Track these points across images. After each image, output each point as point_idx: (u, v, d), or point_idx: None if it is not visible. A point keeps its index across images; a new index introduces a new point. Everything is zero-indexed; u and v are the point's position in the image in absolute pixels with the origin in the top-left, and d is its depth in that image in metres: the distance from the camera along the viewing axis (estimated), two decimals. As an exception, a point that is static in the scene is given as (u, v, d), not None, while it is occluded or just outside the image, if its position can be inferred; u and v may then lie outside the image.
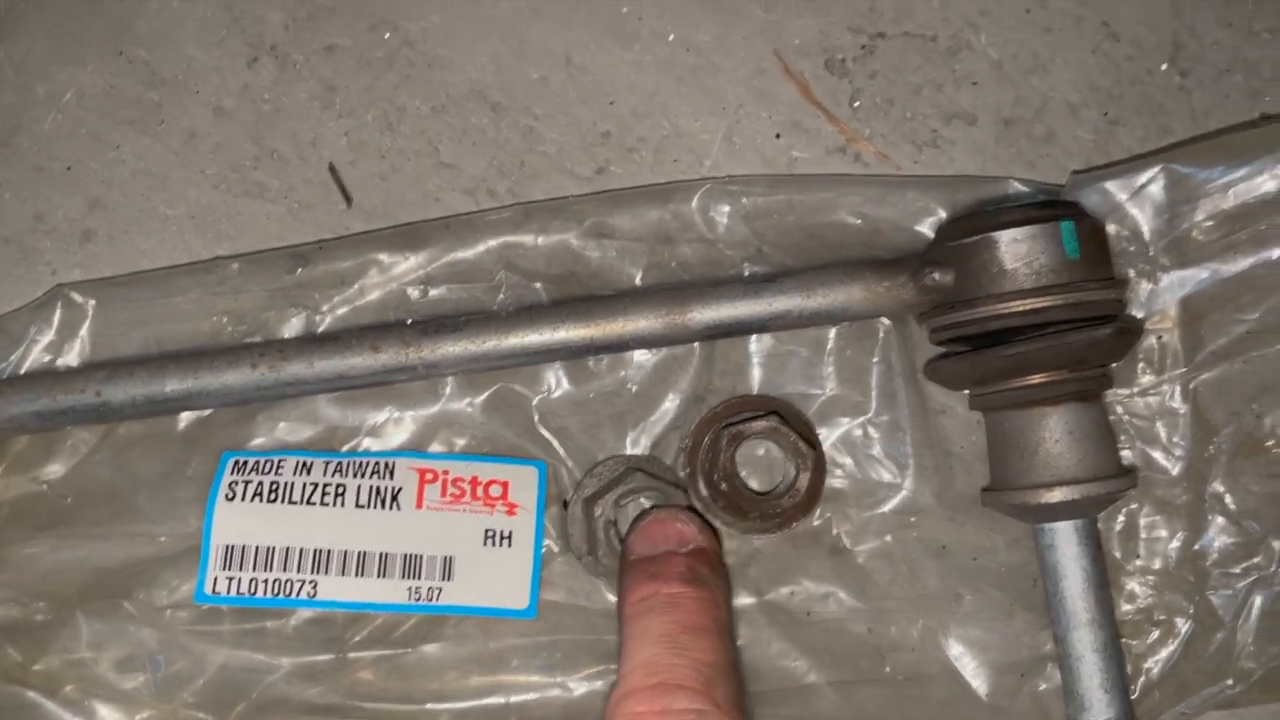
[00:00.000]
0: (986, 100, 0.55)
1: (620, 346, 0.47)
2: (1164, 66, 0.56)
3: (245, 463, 0.47)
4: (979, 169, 0.55)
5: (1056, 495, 0.44)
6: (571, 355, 0.47)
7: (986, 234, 0.45)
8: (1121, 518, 0.49)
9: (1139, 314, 0.49)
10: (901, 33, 0.56)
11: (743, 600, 0.50)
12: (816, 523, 0.50)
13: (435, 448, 0.49)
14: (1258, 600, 0.47)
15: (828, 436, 0.50)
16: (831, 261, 0.49)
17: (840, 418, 0.50)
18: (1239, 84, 0.56)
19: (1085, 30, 0.56)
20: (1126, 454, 0.50)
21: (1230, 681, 0.47)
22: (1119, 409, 0.50)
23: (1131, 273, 0.50)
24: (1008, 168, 0.55)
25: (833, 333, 0.51)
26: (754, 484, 0.50)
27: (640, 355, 0.50)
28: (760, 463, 0.51)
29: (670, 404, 0.51)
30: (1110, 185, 0.49)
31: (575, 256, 0.51)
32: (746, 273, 0.50)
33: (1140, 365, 0.50)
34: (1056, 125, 0.55)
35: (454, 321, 0.47)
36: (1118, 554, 0.49)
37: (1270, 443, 0.48)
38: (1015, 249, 0.44)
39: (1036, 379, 0.45)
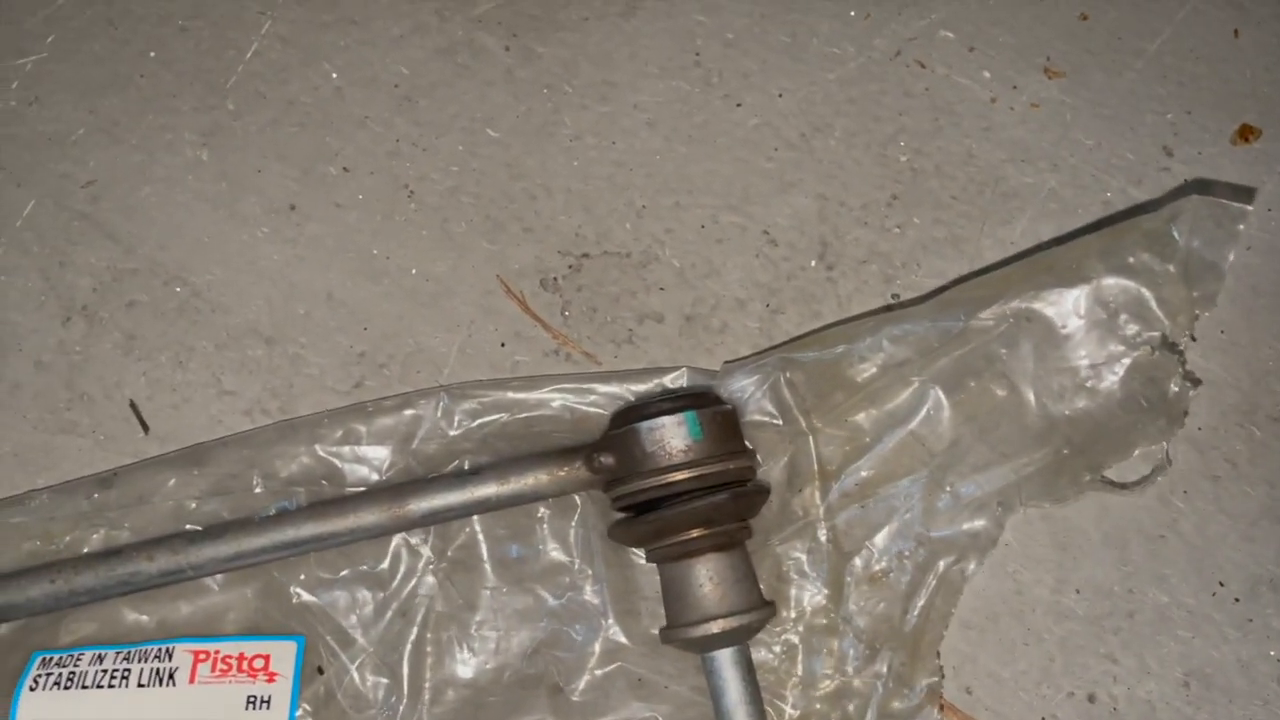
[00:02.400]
0: (672, 302, 0.68)
1: (350, 538, 0.58)
2: (813, 263, 0.69)
3: (50, 659, 0.57)
4: (667, 359, 0.67)
5: (700, 631, 0.55)
6: (312, 549, 0.58)
7: (632, 425, 0.57)
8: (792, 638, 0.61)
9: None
10: (602, 252, 0.69)
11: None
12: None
13: (215, 631, 0.60)
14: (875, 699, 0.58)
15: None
16: (523, 452, 0.61)
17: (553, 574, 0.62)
18: (875, 272, 0.69)
19: (749, 238, 0.70)
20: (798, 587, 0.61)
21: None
22: (779, 548, 0.61)
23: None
24: (690, 357, 0.67)
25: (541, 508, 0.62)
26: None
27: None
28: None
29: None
30: (738, 374, 0.62)
31: (328, 462, 0.63)
32: (467, 465, 0.62)
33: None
34: (729, 318, 0.68)
35: (215, 529, 0.58)
36: (799, 670, 0.60)
37: (877, 569, 0.60)
38: (652, 436, 0.56)
39: (677, 538, 0.56)
